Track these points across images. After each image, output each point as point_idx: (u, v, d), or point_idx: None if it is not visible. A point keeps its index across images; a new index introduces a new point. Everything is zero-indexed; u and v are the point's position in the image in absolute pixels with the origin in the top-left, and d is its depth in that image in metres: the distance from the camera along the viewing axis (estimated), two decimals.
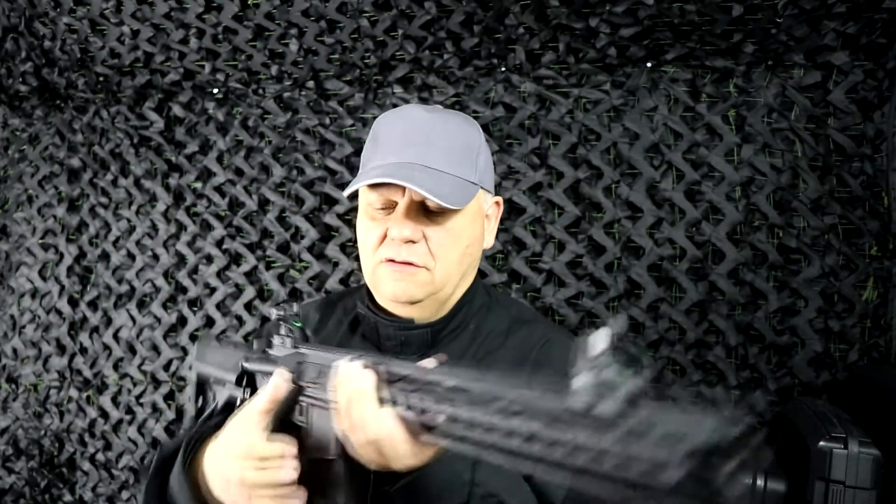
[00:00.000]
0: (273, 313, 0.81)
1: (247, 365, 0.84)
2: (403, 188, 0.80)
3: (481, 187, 0.86)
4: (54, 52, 1.77)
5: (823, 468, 0.98)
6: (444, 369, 0.61)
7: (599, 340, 0.45)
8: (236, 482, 0.68)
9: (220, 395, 0.90)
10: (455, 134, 0.84)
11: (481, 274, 1.53)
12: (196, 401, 0.96)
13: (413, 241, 0.81)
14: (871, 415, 1.07)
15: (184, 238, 1.77)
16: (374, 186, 0.82)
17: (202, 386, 0.96)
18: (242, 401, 0.82)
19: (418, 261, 0.82)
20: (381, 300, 0.89)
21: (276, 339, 0.82)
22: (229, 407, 0.85)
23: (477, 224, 0.87)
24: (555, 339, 0.88)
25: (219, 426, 0.75)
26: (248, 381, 0.85)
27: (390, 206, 0.83)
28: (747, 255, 1.38)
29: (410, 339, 0.86)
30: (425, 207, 0.81)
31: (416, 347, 0.86)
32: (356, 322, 0.94)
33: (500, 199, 0.93)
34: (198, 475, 0.73)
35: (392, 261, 0.83)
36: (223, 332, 1.73)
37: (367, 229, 0.86)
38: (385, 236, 0.83)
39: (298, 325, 0.80)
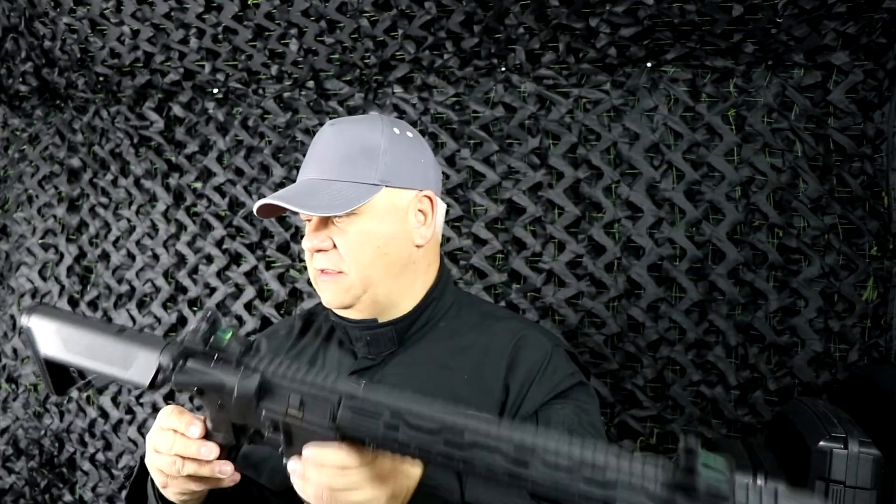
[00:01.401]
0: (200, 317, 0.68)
1: (180, 378, 0.65)
2: None
3: (388, 185, 0.87)
4: (54, 52, 1.77)
5: (823, 468, 0.98)
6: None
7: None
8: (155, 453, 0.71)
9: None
10: (351, 140, 0.88)
11: (481, 274, 1.53)
12: (52, 383, 0.78)
13: (323, 250, 0.86)
14: (871, 415, 1.07)
15: (184, 238, 1.77)
16: None
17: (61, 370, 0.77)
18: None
19: (333, 266, 0.86)
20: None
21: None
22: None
23: (389, 222, 0.87)
24: (529, 336, 0.88)
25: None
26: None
27: (310, 220, 0.89)
28: (747, 255, 1.38)
29: (376, 338, 0.89)
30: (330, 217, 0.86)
31: (383, 345, 0.89)
32: (333, 330, 0.97)
33: (430, 192, 0.91)
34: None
35: (319, 270, 0.88)
36: None
37: (304, 244, 0.91)
38: None
39: (228, 334, 0.67)
